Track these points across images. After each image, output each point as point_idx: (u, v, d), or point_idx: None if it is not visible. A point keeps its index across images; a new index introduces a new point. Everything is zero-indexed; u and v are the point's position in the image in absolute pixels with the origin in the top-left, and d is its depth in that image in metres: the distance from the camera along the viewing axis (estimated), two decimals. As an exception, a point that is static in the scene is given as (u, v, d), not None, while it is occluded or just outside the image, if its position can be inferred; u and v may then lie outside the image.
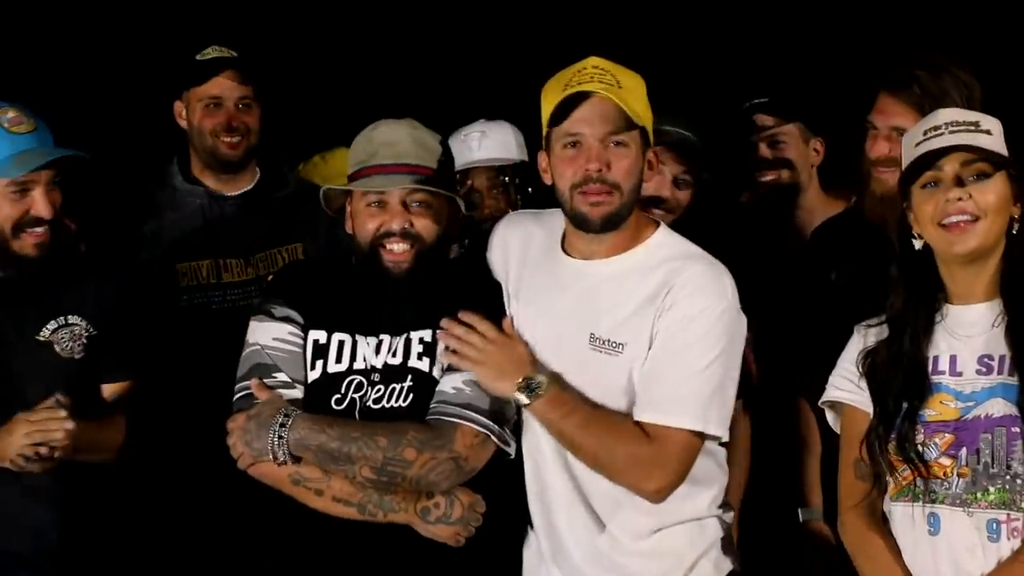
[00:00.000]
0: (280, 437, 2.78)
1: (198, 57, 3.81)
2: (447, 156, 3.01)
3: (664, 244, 2.91)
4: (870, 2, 4.96)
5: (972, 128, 2.67)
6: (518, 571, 3.00)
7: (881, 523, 2.76)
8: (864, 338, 2.81)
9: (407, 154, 2.91)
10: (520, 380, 2.79)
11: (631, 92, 2.81)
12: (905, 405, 2.68)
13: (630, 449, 2.77)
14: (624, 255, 2.88)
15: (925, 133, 2.70)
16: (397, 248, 2.89)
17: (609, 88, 2.77)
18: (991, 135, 2.67)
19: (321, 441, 2.78)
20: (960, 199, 2.63)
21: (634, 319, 2.82)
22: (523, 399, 2.79)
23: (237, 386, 2.91)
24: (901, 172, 2.75)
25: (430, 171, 2.92)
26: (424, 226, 2.90)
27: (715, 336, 2.79)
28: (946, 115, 2.72)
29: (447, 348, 2.85)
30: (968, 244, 2.65)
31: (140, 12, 4.87)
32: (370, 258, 2.92)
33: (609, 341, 2.83)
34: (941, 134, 2.68)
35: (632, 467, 2.79)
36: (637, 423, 2.78)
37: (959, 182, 2.64)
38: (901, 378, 2.70)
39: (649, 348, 2.79)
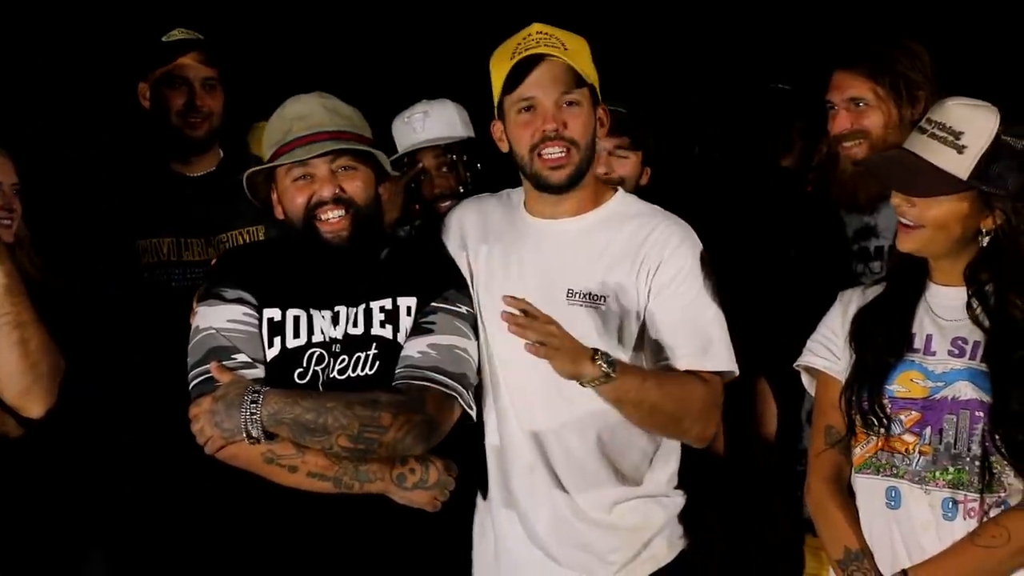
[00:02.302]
0: (252, 414, 2.62)
1: (164, 39, 3.71)
2: (362, 120, 2.91)
3: (626, 202, 2.91)
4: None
5: (946, 138, 2.56)
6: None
7: (845, 492, 2.71)
8: (847, 305, 2.76)
9: (322, 123, 2.79)
10: (597, 357, 2.61)
11: (577, 53, 2.79)
12: (881, 361, 2.63)
13: (700, 396, 2.73)
14: (588, 214, 2.85)
15: (924, 121, 2.62)
16: (332, 216, 2.76)
17: (556, 50, 2.76)
18: (963, 153, 2.54)
19: (296, 414, 2.63)
20: (901, 205, 2.60)
21: (613, 272, 2.78)
22: (611, 373, 2.60)
23: (193, 372, 2.75)
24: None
25: (348, 135, 2.80)
26: (355, 189, 2.78)
27: (708, 283, 2.79)
28: (944, 111, 2.59)
29: (535, 343, 2.57)
30: (906, 245, 2.62)
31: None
32: (307, 233, 2.80)
33: (589, 295, 2.78)
34: (924, 131, 2.60)
35: (703, 414, 2.75)
36: (687, 372, 2.75)
37: None
38: (885, 331, 2.65)
39: (640, 304, 2.75)
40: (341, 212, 2.77)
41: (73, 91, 4.61)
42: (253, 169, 2.88)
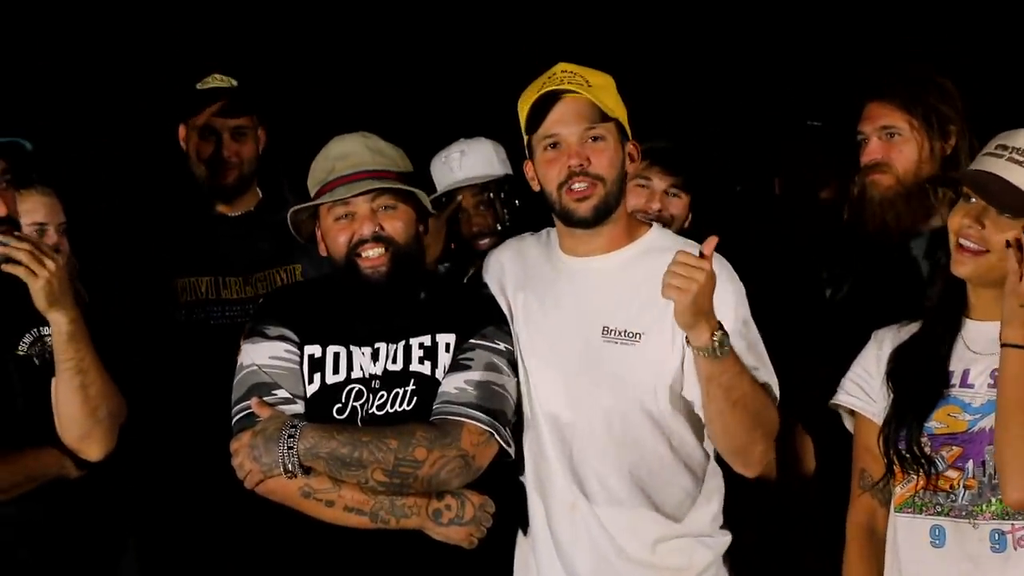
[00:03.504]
0: (290, 448, 2.65)
1: (198, 86, 3.75)
2: (405, 159, 2.93)
3: (662, 237, 2.89)
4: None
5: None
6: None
7: (873, 540, 2.69)
8: (881, 344, 2.73)
9: (363, 162, 2.83)
10: (716, 335, 2.59)
11: (601, 89, 2.79)
12: (919, 401, 2.60)
13: (773, 414, 2.73)
14: (623, 249, 2.84)
15: (996, 147, 2.61)
16: (372, 253, 2.79)
17: (579, 87, 2.75)
18: None
19: (332, 448, 2.65)
20: (970, 227, 2.55)
21: (649, 309, 2.73)
22: (717, 352, 2.59)
23: (236, 408, 2.78)
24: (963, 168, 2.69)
25: (389, 174, 2.84)
26: (395, 228, 2.81)
27: (748, 318, 2.77)
28: (1020, 137, 2.59)
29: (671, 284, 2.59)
30: (963, 269, 2.58)
31: (152, 29, 4.84)
32: (348, 271, 2.82)
33: (625, 332, 2.76)
34: (1001, 157, 2.58)
35: (771, 433, 2.75)
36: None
37: (983, 211, 2.55)
38: (923, 371, 2.62)
39: (678, 338, 2.70)
40: (381, 250, 2.79)
41: (118, 129, 4.66)
42: (297, 207, 2.91)
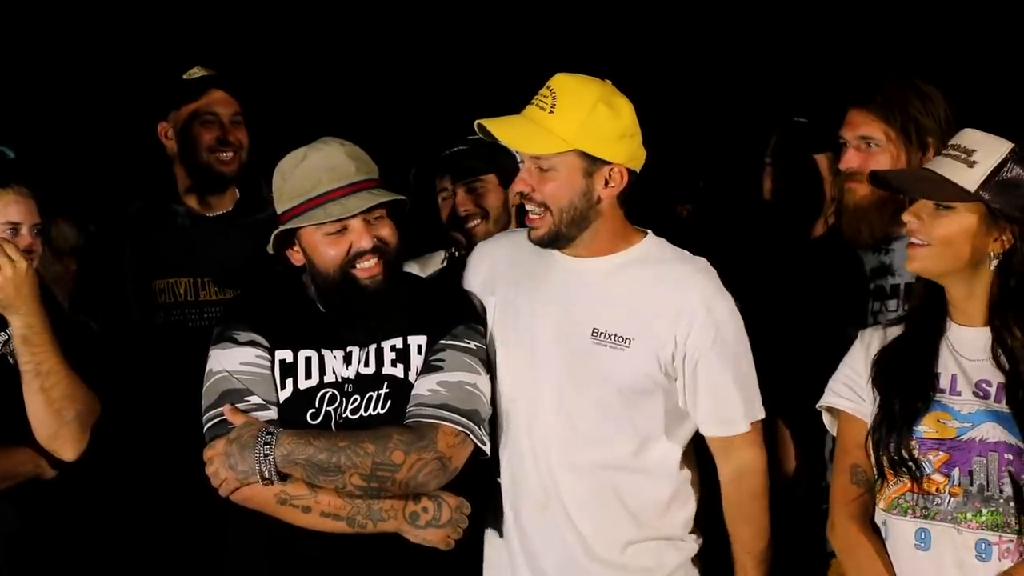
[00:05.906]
0: (266, 455, 2.65)
1: (186, 76, 3.71)
2: (375, 162, 2.93)
3: (655, 245, 2.90)
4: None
5: (960, 156, 2.60)
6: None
7: (874, 532, 2.68)
8: (868, 344, 2.74)
9: (350, 173, 2.80)
10: None
11: (564, 116, 2.74)
12: (909, 406, 2.61)
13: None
14: (618, 254, 2.85)
15: (945, 147, 2.67)
16: (369, 264, 2.79)
17: (538, 114, 2.75)
18: (973, 167, 2.57)
19: (309, 454, 2.65)
20: (910, 223, 2.61)
21: (642, 315, 2.78)
22: None
23: (207, 415, 2.76)
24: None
25: (377, 182, 2.84)
26: (388, 234, 2.83)
27: (743, 335, 2.83)
28: (960, 136, 2.65)
29: None
30: (912, 265, 2.64)
31: (116, 36, 4.83)
32: (342, 280, 2.81)
33: (615, 335, 2.78)
34: (941, 155, 2.65)
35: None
36: None
37: (921, 207, 2.62)
38: (911, 375, 2.63)
39: (667, 351, 2.77)
40: (376, 259, 2.80)
41: (94, 127, 4.65)
42: (291, 227, 2.84)
